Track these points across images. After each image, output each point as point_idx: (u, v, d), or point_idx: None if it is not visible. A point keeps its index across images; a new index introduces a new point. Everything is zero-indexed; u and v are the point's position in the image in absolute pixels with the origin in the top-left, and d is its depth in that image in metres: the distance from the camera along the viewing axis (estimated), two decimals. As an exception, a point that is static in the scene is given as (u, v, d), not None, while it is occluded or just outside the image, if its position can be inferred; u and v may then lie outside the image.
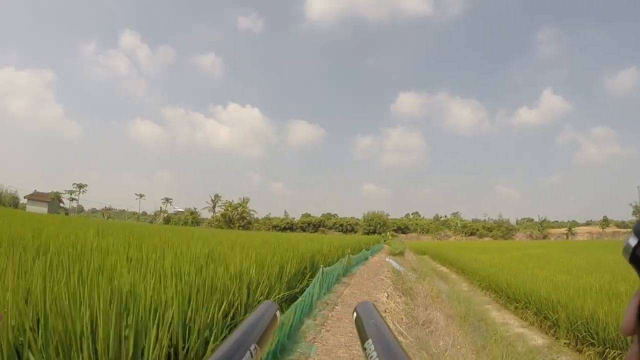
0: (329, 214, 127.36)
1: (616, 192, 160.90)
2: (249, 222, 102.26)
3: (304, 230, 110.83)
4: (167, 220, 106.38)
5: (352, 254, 17.56)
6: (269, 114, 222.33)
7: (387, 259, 21.83)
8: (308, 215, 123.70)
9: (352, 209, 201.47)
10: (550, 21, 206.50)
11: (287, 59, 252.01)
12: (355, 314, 0.84)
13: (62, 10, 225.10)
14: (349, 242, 21.51)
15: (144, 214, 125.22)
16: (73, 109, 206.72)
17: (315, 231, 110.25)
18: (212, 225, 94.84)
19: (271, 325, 0.78)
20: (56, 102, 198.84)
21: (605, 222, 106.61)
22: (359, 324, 0.80)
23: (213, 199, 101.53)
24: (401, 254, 30.15)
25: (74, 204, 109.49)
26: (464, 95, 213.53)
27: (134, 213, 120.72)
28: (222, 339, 1.70)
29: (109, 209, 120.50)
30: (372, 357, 0.63)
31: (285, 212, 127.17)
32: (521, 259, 28.05)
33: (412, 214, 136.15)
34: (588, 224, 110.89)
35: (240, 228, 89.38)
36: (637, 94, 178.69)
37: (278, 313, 0.85)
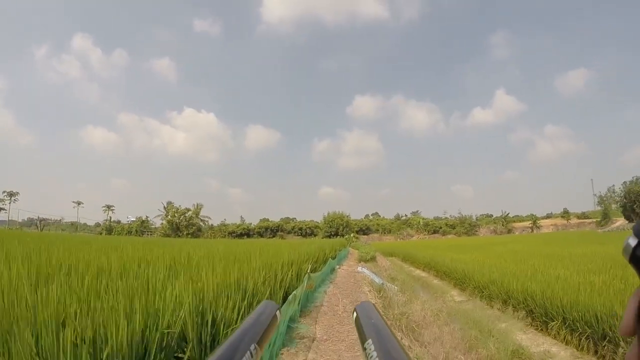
0: (288, 218, 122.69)
1: (571, 185, 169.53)
2: (199, 229, 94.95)
3: (262, 236, 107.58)
4: (109, 230, 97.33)
5: (317, 268, 12.64)
6: (225, 119, 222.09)
7: (359, 269, 16.76)
8: (266, 220, 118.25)
9: (311, 213, 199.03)
10: (504, 25, 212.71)
11: (244, 63, 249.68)
12: (355, 314, 0.85)
13: (13, 13, 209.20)
14: (309, 250, 16.21)
15: (85, 224, 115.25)
16: (24, 115, 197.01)
17: (274, 236, 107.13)
18: (157, 234, 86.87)
19: (271, 325, 0.79)
20: (5, 107, 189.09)
21: (566, 214, 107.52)
22: (358, 324, 0.80)
23: (165, 206, 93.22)
24: (373, 259, 25.28)
25: (2, 214, 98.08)
26: (419, 98, 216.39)
27: (72, 223, 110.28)
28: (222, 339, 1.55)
29: (43, 219, 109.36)
30: (372, 357, 0.64)
31: (242, 217, 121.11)
32: (513, 256, 23.94)
33: (371, 215, 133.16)
34: (548, 216, 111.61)
35: (189, 236, 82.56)
36: (586, 93, 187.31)
37: (278, 313, 0.86)
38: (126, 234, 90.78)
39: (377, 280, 14.20)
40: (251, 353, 0.63)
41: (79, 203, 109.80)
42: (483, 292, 15.63)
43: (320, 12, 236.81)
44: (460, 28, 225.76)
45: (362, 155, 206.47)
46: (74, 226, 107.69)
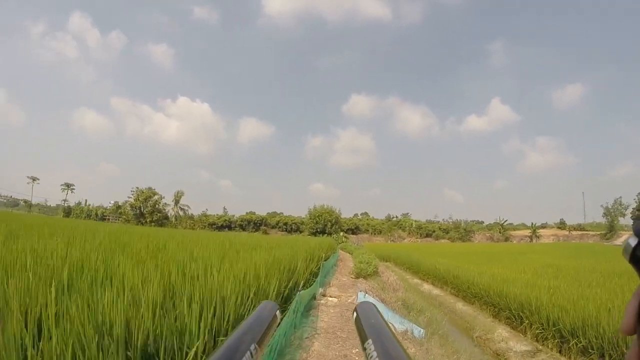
0: (275, 212, 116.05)
1: (561, 197, 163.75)
2: (165, 217, 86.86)
3: (244, 229, 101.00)
4: (67, 212, 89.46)
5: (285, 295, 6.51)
6: (219, 110, 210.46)
7: (361, 295, 9.69)
8: (252, 213, 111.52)
9: (299, 208, 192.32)
10: (504, 34, 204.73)
11: (241, 54, 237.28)
12: (355, 314, 0.84)
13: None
14: (288, 256, 9.95)
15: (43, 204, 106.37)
16: (16, 92, 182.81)
17: (257, 230, 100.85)
18: (121, 220, 78.83)
19: (271, 325, 0.78)
20: None
21: (563, 225, 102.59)
22: (358, 324, 0.79)
23: (133, 191, 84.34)
24: (375, 273, 17.82)
25: None
26: (415, 101, 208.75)
27: (26, 201, 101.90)
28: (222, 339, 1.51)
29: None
30: (372, 357, 0.63)
31: (225, 208, 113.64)
32: (557, 273, 17.83)
33: (360, 214, 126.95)
34: (543, 226, 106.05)
35: (153, 224, 75.04)
36: (581, 107, 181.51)
37: (278, 313, 0.85)
38: (85, 217, 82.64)
39: (402, 326, 7.76)
40: (251, 353, 0.62)
41: (34, 179, 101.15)
42: (563, 338, 9.44)
43: (322, 7, 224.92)
44: (461, 34, 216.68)
45: (354, 153, 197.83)
46: (28, 205, 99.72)
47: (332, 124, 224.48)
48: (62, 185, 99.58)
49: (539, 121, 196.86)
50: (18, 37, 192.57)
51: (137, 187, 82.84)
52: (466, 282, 17.16)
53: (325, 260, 13.38)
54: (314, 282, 9.85)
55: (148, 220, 78.33)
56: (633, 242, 0.44)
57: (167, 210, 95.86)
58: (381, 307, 7.67)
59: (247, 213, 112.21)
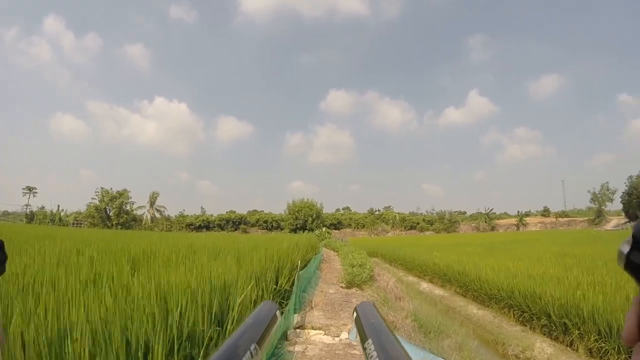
0: (255, 210, 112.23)
1: (540, 186, 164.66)
2: (133, 219, 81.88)
3: (222, 229, 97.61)
4: (30, 218, 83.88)
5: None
6: (197, 110, 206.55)
7: (352, 335, 5.98)
8: (233, 212, 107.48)
9: (280, 207, 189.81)
10: (483, 28, 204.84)
11: (219, 53, 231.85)
12: (355, 314, 0.84)
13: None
14: (234, 272, 6.64)
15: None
16: None
17: (236, 229, 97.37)
18: (86, 224, 73.85)
19: (271, 325, 0.78)
20: None
21: (547, 212, 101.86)
22: (359, 324, 0.79)
23: (98, 192, 78.43)
24: (371, 277, 13.92)
25: None
26: (394, 96, 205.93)
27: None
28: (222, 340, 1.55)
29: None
30: (372, 356, 0.63)
31: (202, 208, 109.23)
32: (578, 263, 14.95)
33: (342, 209, 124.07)
34: (527, 215, 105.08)
35: (119, 227, 70.17)
36: (558, 98, 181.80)
37: (278, 313, 0.84)
38: (48, 222, 76.31)
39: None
40: (251, 353, 0.62)
41: (30, 189, 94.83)
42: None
43: (299, 4, 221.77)
44: (440, 29, 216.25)
45: (333, 150, 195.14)
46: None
47: (310, 121, 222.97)
48: (23, 189, 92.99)
49: (518, 113, 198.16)
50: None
51: (101, 188, 77.70)
52: (477, 280, 14.13)
53: (303, 268, 9.67)
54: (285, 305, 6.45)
55: (114, 222, 73.26)
56: (625, 248, 0.43)
57: (142, 212, 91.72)
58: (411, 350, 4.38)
59: (228, 212, 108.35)
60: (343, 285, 12.34)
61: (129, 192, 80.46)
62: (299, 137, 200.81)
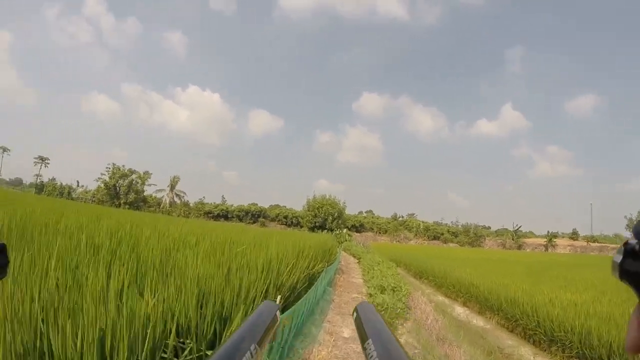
0: (277, 205, 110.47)
1: (568, 208, 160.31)
2: (143, 200, 79.83)
3: (241, 220, 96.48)
4: (39, 189, 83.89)
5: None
6: (229, 100, 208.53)
7: None
8: (255, 204, 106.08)
9: (303, 203, 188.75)
10: (523, 41, 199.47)
11: (254, 46, 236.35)
12: (355, 314, 0.84)
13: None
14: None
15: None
16: (28, 74, 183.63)
17: (255, 222, 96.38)
18: (91, 200, 72.76)
19: (271, 325, 0.78)
20: (10, 64, 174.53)
21: (574, 235, 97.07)
22: (359, 323, 0.79)
23: (108, 168, 75.49)
24: (406, 307, 10.41)
25: None
26: (427, 103, 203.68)
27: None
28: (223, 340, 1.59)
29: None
30: (372, 356, 0.64)
31: (223, 197, 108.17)
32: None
33: (365, 212, 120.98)
34: (554, 236, 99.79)
35: (127, 206, 68.41)
36: (594, 119, 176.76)
37: (278, 313, 0.84)
38: (57, 195, 75.71)
39: None
40: (251, 353, 0.61)
41: (43, 159, 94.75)
42: None
43: (338, 3, 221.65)
44: (478, 39, 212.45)
45: (361, 152, 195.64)
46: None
47: (341, 121, 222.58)
48: (35, 158, 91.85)
49: (551, 130, 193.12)
50: (32, 20, 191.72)
51: (113, 164, 75.14)
52: (533, 314, 11.31)
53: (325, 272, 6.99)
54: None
55: (122, 201, 71.54)
56: (618, 258, 0.42)
57: (162, 196, 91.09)
58: None
59: (249, 204, 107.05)
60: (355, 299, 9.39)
61: (151, 173, 79.38)
62: (329, 135, 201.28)
